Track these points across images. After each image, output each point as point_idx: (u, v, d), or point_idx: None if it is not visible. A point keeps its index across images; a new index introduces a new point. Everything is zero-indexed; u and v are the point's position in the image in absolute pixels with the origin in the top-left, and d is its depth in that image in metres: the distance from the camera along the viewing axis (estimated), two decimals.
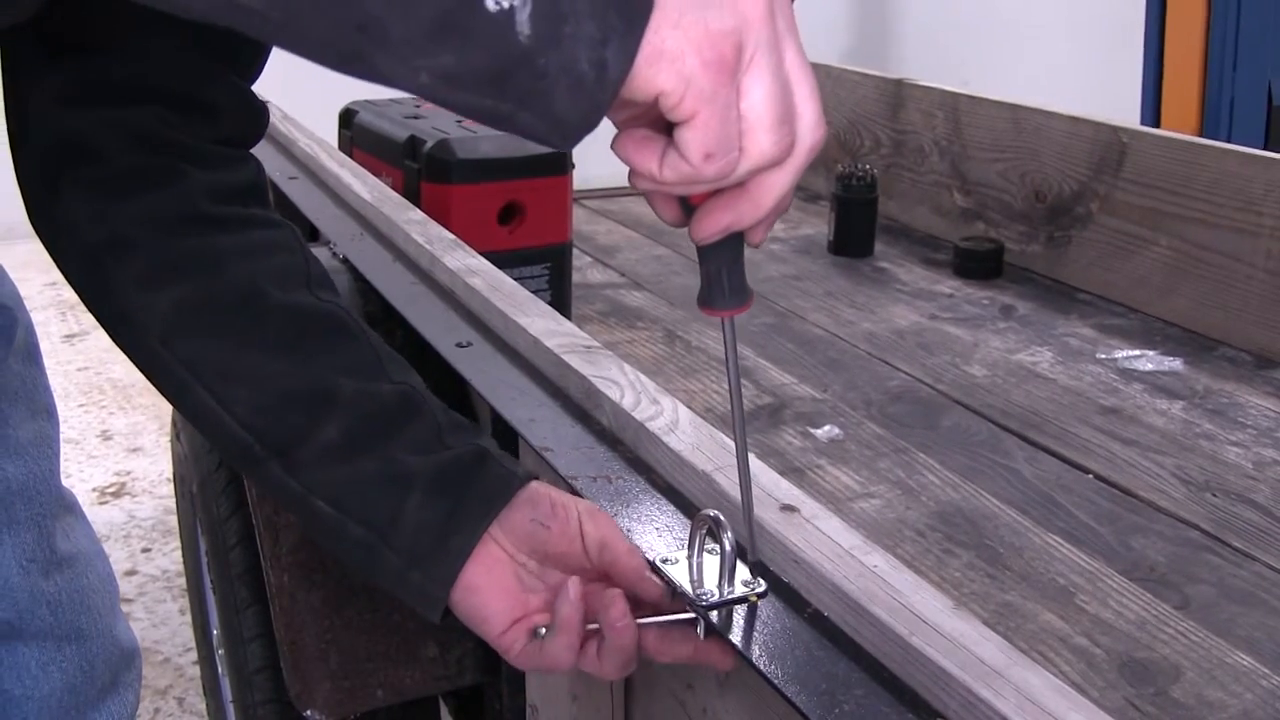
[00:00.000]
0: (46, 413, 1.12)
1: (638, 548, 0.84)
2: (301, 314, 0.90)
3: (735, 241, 0.67)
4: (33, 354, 1.11)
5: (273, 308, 0.89)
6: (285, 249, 0.93)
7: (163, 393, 0.92)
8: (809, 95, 0.62)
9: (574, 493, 0.94)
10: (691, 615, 0.80)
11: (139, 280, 0.88)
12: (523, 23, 0.54)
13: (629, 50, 0.56)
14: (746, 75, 0.59)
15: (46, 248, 0.93)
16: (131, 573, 2.82)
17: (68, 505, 1.16)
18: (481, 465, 0.87)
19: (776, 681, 0.71)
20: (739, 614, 0.78)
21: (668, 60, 0.57)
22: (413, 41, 0.55)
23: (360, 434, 0.86)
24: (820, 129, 0.63)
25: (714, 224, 0.65)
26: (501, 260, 1.45)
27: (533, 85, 0.56)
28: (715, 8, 0.58)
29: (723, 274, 0.69)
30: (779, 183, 0.63)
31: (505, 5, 0.54)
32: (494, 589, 0.83)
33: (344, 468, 0.86)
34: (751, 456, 0.92)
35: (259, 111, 0.98)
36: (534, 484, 0.86)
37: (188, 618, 2.50)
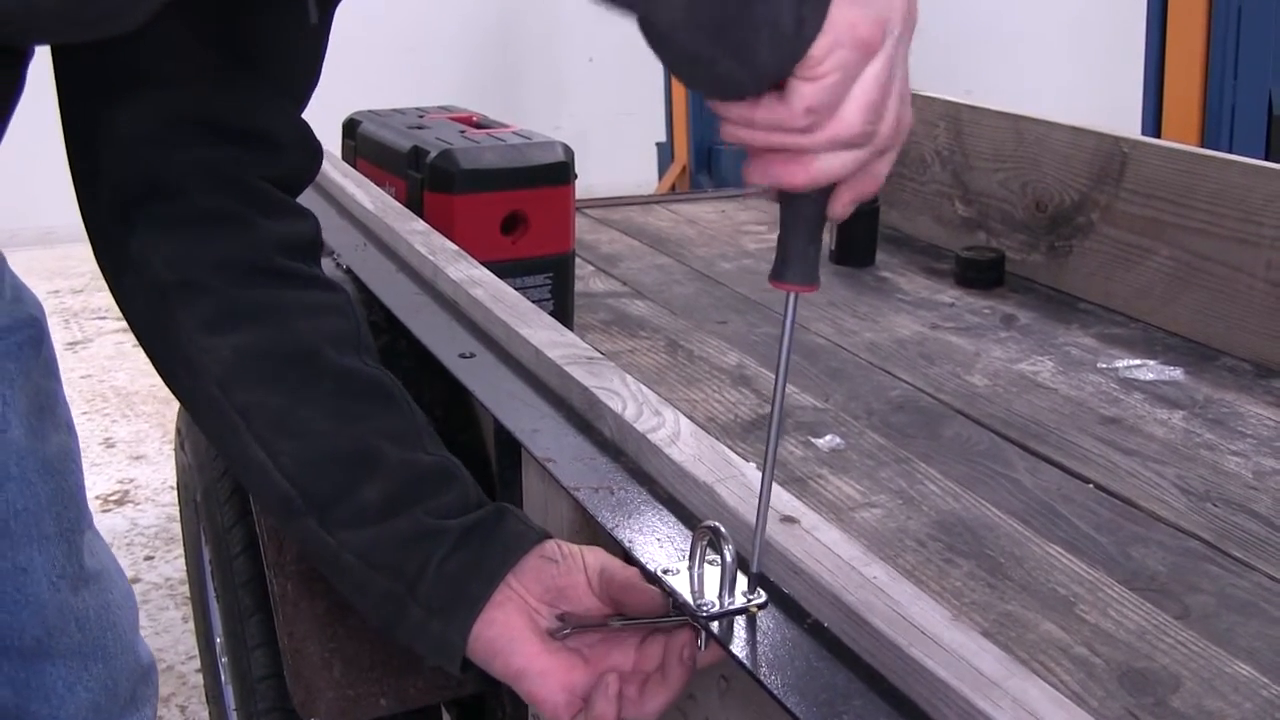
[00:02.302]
0: (67, 428, 1.12)
1: (629, 566, 0.86)
2: (353, 377, 0.93)
3: (816, 219, 0.70)
4: (53, 369, 1.11)
5: (328, 368, 0.92)
6: (342, 313, 0.96)
7: (212, 437, 0.94)
8: (899, 102, 0.67)
9: (576, 503, 0.95)
10: (686, 620, 0.81)
11: (205, 324, 0.90)
12: None
13: (821, 11, 0.62)
14: (872, 60, 0.65)
15: (108, 281, 0.95)
16: (134, 580, 2.82)
17: (90, 521, 1.16)
18: (501, 521, 0.89)
19: (776, 692, 0.72)
20: (739, 625, 0.78)
21: (832, 28, 0.62)
22: None
23: (398, 498, 0.89)
24: (896, 135, 0.68)
25: (780, 176, 0.68)
26: (504, 270, 1.46)
27: (745, 34, 0.61)
28: None
29: (797, 250, 0.71)
30: (844, 161, 0.67)
31: None
32: (512, 623, 0.85)
33: (378, 527, 0.88)
34: (752, 466, 0.93)
35: (317, 150, 1.00)
36: (548, 540, 0.89)
37: (190, 625, 2.50)
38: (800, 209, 0.70)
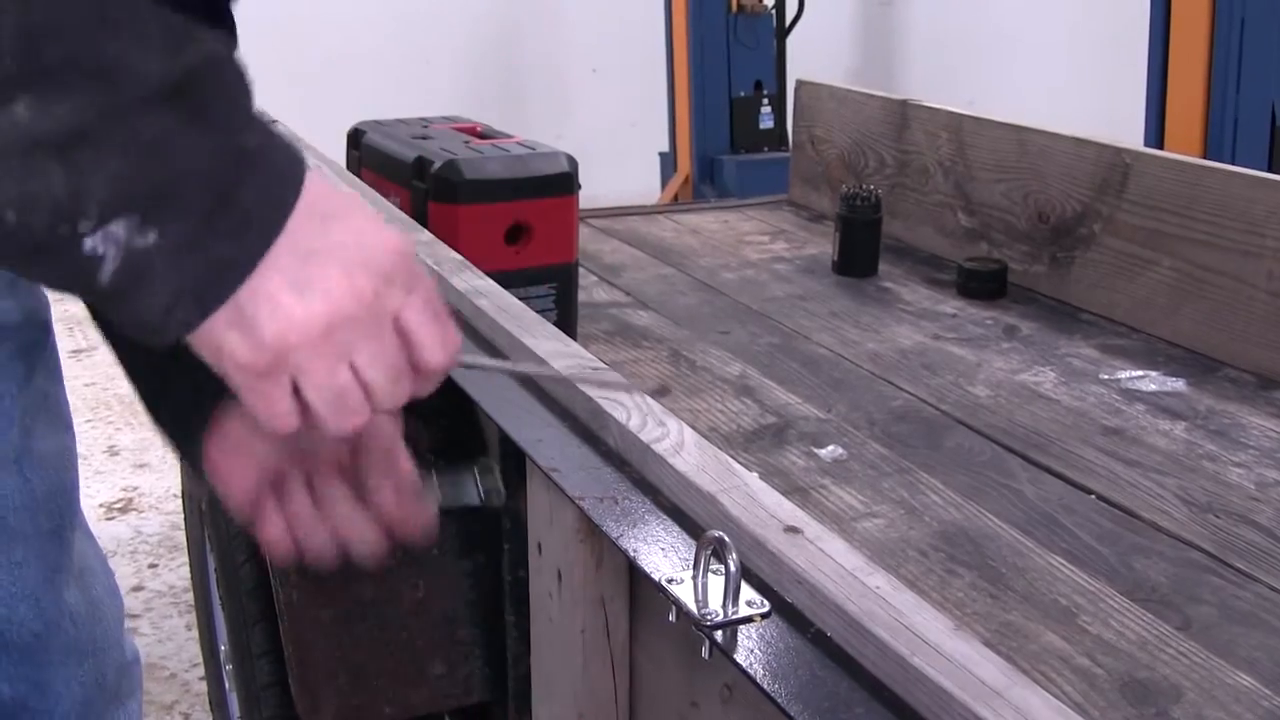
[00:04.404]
0: (67, 428, 1.14)
1: None
2: None
3: None
4: (56, 370, 1.13)
5: None
6: None
7: None
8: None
9: (580, 513, 0.96)
10: None
11: None
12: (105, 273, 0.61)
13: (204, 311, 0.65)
14: None
15: None
16: (138, 588, 2.83)
17: (80, 519, 1.17)
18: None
19: (780, 700, 0.72)
20: (743, 633, 0.79)
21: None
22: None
23: None
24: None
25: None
26: (508, 280, 1.46)
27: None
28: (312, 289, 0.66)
29: None
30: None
31: (99, 252, 0.60)
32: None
33: None
34: (755, 476, 0.93)
35: None
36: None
37: (194, 633, 2.51)
38: None
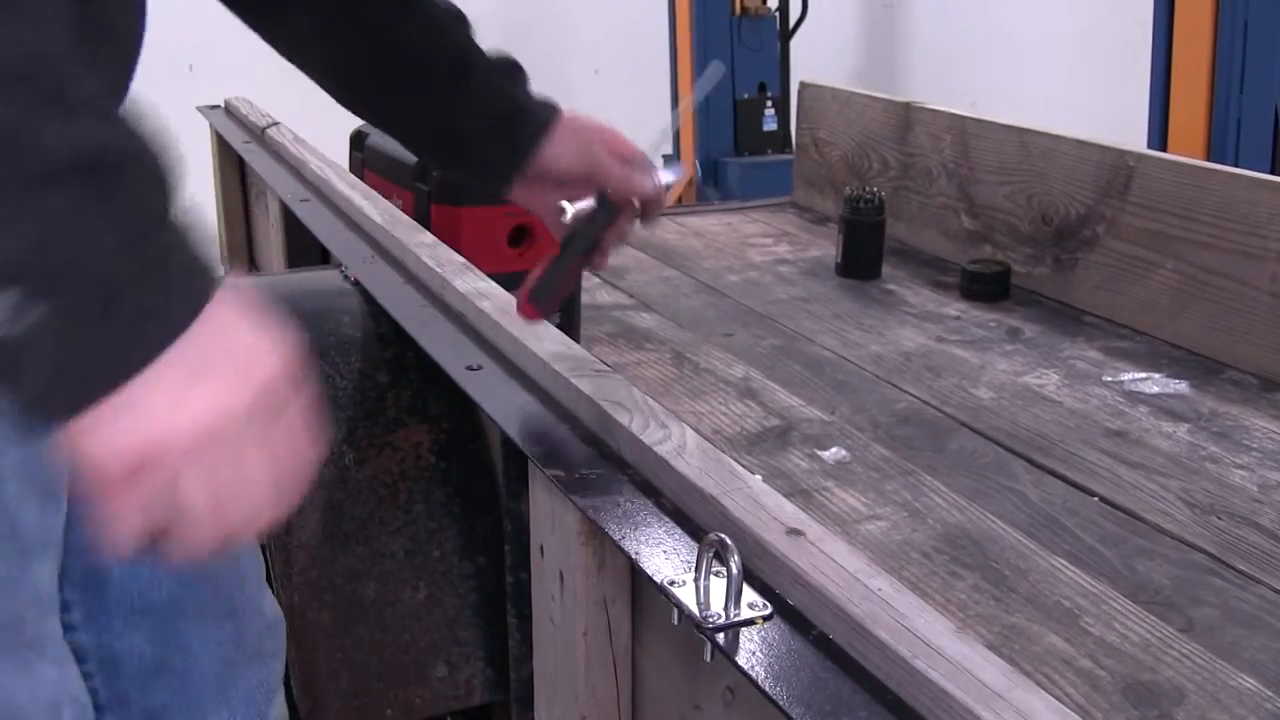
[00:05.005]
0: None
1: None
2: None
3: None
4: None
5: None
6: None
7: None
8: None
9: (583, 515, 0.95)
10: None
11: None
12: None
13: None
14: None
15: None
16: None
17: None
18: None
19: (782, 703, 0.72)
20: (745, 636, 0.79)
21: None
22: None
23: None
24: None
25: None
26: (511, 282, 1.46)
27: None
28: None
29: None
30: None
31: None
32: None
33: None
34: (758, 478, 0.93)
35: None
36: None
37: None
38: None
